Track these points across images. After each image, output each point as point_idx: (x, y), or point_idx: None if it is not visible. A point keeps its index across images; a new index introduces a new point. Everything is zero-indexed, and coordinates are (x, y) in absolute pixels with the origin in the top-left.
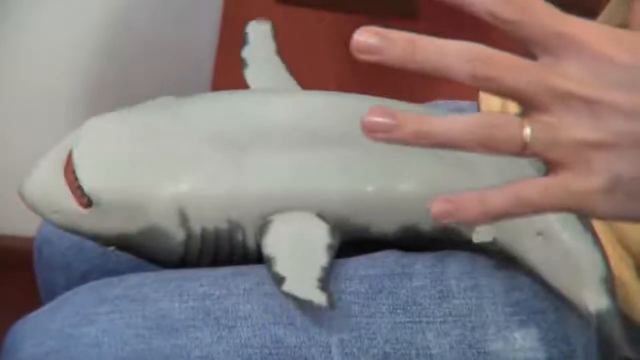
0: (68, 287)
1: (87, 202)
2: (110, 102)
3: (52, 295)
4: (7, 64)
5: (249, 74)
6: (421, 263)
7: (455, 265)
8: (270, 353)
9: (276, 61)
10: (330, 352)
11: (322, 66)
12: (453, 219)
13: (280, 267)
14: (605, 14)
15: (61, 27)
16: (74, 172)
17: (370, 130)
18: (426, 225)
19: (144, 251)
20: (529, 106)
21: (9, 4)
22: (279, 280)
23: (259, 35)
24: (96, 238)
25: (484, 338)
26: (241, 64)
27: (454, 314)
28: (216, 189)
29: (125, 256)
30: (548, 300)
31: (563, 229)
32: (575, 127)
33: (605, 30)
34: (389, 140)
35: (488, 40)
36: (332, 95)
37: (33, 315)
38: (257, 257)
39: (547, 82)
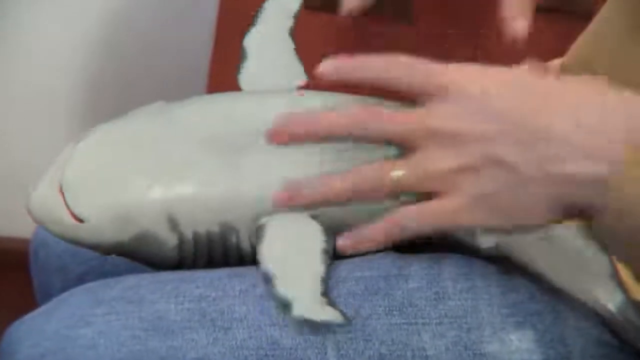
0: (64, 289)
1: (78, 218)
2: (108, 101)
3: (48, 297)
4: (7, 64)
5: (251, 56)
6: (417, 264)
7: (451, 266)
8: (266, 355)
9: (286, 42)
10: (326, 353)
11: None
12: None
13: (282, 288)
14: (596, 20)
15: (60, 27)
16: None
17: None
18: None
19: (140, 257)
20: (407, 147)
21: (9, 4)
22: (285, 305)
23: (277, 12)
24: (96, 248)
25: (480, 339)
26: (241, 50)
27: (450, 316)
28: (210, 192)
29: (122, 258)
30: (544, 302)
31: (567, 233)
32: (442, 159)
33: (474, 71)
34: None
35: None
36: (328, 96)
37: (29, 316)
38: (252, 259)
39: (420, 124)
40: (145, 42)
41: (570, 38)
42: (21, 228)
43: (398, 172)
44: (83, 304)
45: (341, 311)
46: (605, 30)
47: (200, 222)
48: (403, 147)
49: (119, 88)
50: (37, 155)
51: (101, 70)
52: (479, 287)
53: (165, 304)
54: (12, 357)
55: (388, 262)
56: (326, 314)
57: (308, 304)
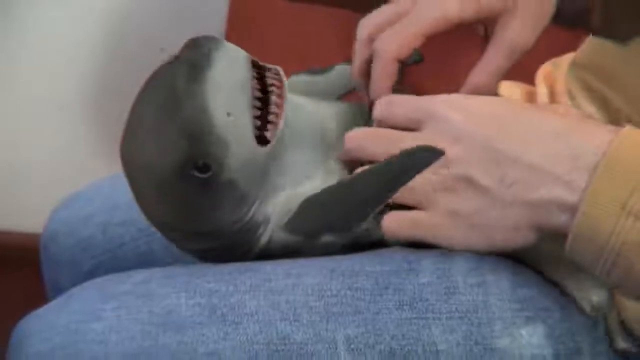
0: (74, 283)
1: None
2: (114, 101)
3: (58, 292)
4: (10, 61)
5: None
6: (428, 259)
7: (461, 261)
8: (276, 350)
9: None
10: (336, 348)
11: (330, 63)
12: None
13: None
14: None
15: (65, 26)
16: None
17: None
18: None
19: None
20: None
21: (9, 4)
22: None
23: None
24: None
25: (490, 334)
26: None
27: (461, 310)
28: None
29: (132, 253)
30: (554, 297)
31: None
32: (420, 177)
33: (450, 99)
34: None
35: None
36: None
37: (39, 311)
38: (261, 255)
39: (402, 146)
40: (151, 43)
41: (584, 34)
42: (31, 223)
43: None
44: (93, 299)
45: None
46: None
47: (265, 207)
48: None
49: (125, 88)
50: (46, 151)
51: (107, 71)
52: (490, 282)
53: (176, 299)
54: (22, 352)
55: (399, 257)
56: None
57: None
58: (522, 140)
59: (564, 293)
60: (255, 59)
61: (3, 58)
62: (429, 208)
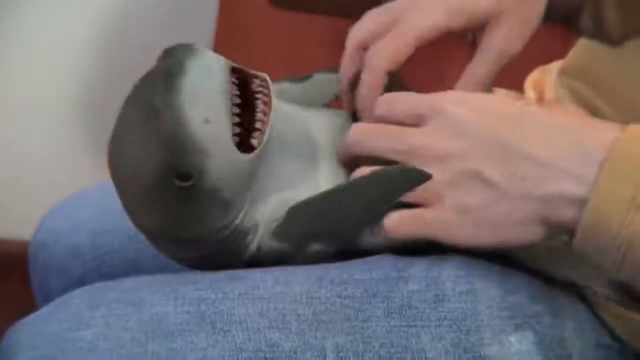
0: (64, 291)
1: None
2: (109, 103)
3: (47, 299)
4: (7, 64)
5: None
6: (416, 267)
7: (450, 269)
8: (265, 357)
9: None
10: (325, 356)
11: (318, 68)
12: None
13: None
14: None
15: (60, 28)
16: None
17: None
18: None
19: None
20: (402, 160)
21: (7, 4)
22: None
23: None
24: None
25: (479, 342)
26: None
27: (450, 318)
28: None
29: (121, 260)
30: (544, 304)
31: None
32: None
33: (455, 95)
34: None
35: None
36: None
37: (28, 319)
38: (251, 262)
39: (407, 141)
40: (145, 44)
41: (572, 41)
42: (20, 230)
43: None
44: (82, 306)
45: None
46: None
47: (252, 214)
48: (396, 159)
49: (116, 96)
50: (38, 157)
51: (101, 72)
52: (479, 290)
53: (165, 306)
54: None
55: (387, 265)
56: None
57: None
58: (531, 135)
59: (555, 297)
60: (239, 65)
61: (2, 59)
62: (434, 204)
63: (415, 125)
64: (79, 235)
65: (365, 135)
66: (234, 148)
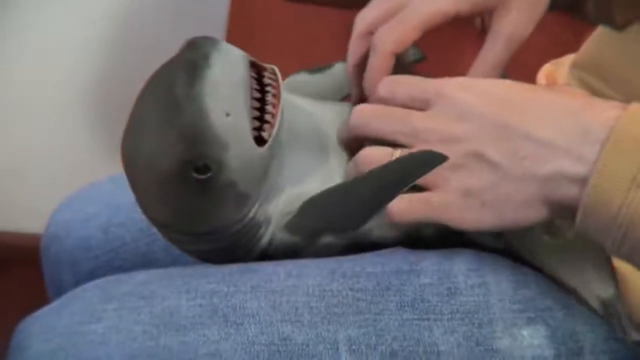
0: (75, 284)
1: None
2: (114, 101)
3: (59, 292)
4: (9, 63)
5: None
6: (429, 260)
7: (462, 262)
8: (277, 350)
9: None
10: (337, 349)
11: (330, 62)
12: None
13: None
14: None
15: (67, 26)
16: None
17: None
18: (428, 230)
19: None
20: (406, 143)
21: (9, 4)
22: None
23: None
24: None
25: (491, 335)
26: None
27: (462, 311)
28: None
29: (132, 253)
30: (555, 298)
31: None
32: None
33: (459, 81)
34: None
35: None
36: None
37: (40, 312)
38: (265, 255)
39: (411, 124)
40: (152, 43)
41: (585, 34)
42: (32, 224)
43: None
44: (94, 300)
45: None
46: (602, 46)
47: (265, 207)
48: (401, 143)
49: (125, 88)
50: (47, 152)
51: (108, 71)
52: (490, 283)
53: (177, 299)
54: (23, 353)
55: (399, 258)
56: None
57: None
58: (532, 117)
59: (566, 291)
60: (253, 58)
61: (2, 58)
62: (440, 187)
63: (419, 109)
64: (91, 229)
65: (369, 117)
66: (252, 142)
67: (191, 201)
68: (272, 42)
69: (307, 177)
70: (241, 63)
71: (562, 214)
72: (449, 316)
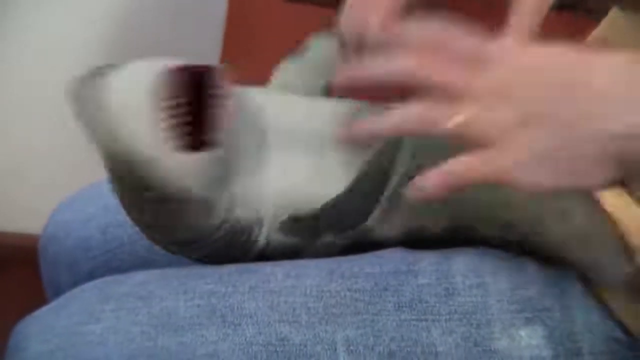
0: (74, 284)
1: None
2: None
3: (57, 293)
4: (9, 63)
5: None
6: (427, 260)
7: (461, 262)
8: (275, 351)
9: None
10: (335, 349)
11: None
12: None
13: None
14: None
15: (67, 26)
16: None
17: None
18: (432, 228)
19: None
20: (465, 98)
21: (9, 4)
22: None
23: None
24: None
25: (489, 336)
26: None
27: (460, 312)
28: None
29: (131, 254)
30: (554, 298)
31: (579, 206)
32: (502, 112)
33: (518, 45)
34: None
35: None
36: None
37: (38, 313)
38: (262, 256)
39: (477, 81)
40: (153, 42)
41: (583, 36)
42: (30, 224)
43: (460, 117)
44: (92, 300)
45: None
46: (614, 32)
47: (250, 209)
48: (460, 96)
49: None
50: (40, 153)
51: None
52: (489, 283)
53: (175, 300)
54: (21, 353)
55: (398, 258)
56: None
57: None
58: (597, 75)
59: (565, 292)
60: (182, 63)
61: (2, 58)
62: (508, 145)
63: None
64: (89, 229)
65: (432, 67)
66: (176, 150)
67: (156, 216)
68: (270, 42)
69: (299, 177)
70: (145, 76)
71: (634, 171)
72: (447, 317)
